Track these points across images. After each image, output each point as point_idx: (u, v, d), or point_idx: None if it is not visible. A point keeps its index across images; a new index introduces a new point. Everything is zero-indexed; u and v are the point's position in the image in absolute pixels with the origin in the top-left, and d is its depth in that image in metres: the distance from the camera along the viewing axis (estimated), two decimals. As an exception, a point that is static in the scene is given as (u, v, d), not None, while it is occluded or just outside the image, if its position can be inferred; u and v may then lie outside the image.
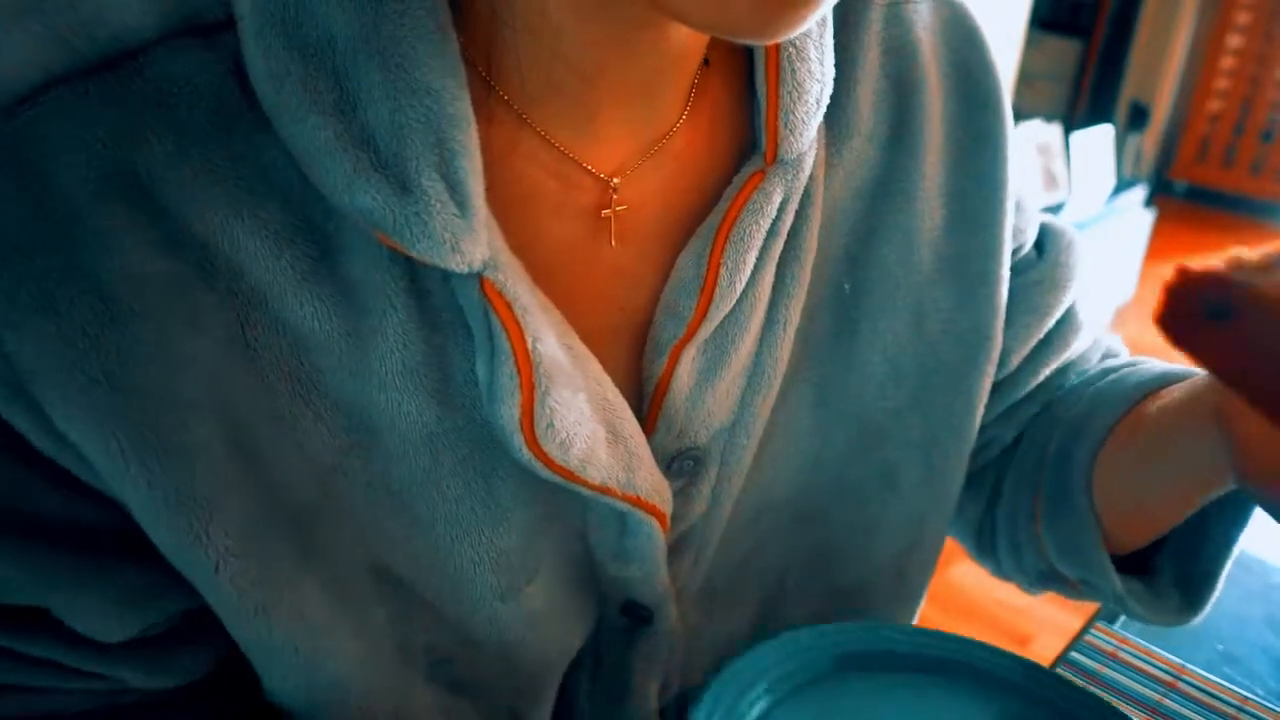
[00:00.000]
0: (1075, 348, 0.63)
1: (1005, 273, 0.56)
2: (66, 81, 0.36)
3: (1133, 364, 0.63)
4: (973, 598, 2.31)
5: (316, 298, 0.40)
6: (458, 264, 0.39)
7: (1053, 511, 0.57)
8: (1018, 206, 0.59)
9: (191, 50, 0.38)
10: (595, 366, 0.44)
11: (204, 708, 0.47)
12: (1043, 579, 0.60)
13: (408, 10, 0.37)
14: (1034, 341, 0.60)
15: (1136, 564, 0.57)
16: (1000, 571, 0.65)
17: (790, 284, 0.49)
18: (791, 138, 0.46)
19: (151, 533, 0.39)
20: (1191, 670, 0.73)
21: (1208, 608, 0.55)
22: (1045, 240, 0.63)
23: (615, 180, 0.45)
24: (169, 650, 0.44)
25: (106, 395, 0.37)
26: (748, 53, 0.48)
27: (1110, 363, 0.64)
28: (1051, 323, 0.61)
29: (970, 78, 0.55)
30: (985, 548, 0.65)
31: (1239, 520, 0.54)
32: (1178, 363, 0.55)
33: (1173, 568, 0.55)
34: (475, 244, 0.39)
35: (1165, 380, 0.56)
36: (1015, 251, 0.60)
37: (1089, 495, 0.55)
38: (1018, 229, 0.59)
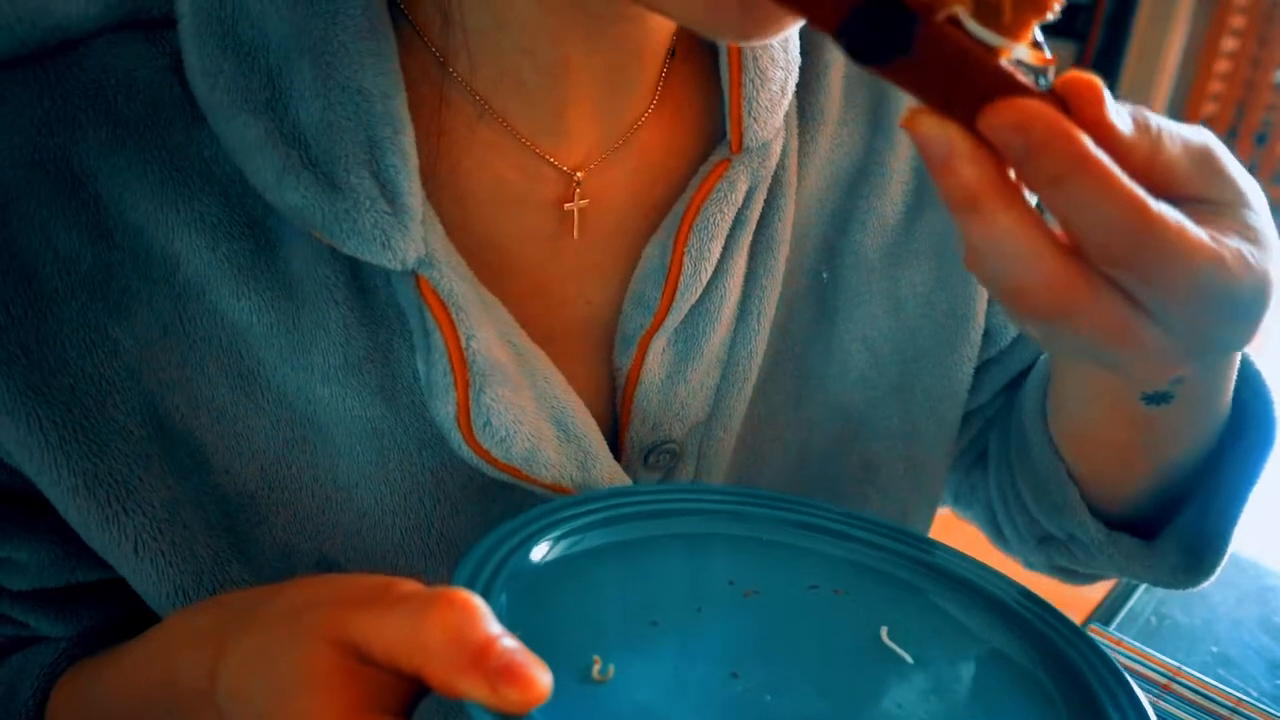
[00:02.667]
0: None
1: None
2: (4, 67, 0.37)
3: None
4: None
5: (254, 291, 0.40)
6: (390, 260, 0.39)
7: (1023, 459, 0.56)
8: None
9: (133, 44, 0.38)
10: (544, 364, 0.44)
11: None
12: (1040, 544, 0.58)
13: (339, 9, 0.37)
14: (1010, 340, 0.59)
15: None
16: (1009, 548, 0.63)
17: (763, 274, 0.49)
18: (756, 125, 0.46)
19: (67, 512, 0.40)
20: (1187, 672, 0.73)
21: (1215, 573, 0.51)
22: None
23: (579, 175, 0.45)
24: (79, 603, 0.45)
25: (25, 371, 0.38)
26: (714, 43, 0.48)
27: None
28: None
29: None
30: (994, 525, 0.64)
31: (1247, 474, 0.50)
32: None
33: (1178, 533, 0.51)
34: (408, 241, 0.39)
35: None
36: None
37: (1046, 431, 0.53)
38: None
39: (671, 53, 0.47)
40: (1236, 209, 0.32)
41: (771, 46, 0.46)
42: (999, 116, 0.28)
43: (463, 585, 0.34)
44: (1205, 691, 0.71)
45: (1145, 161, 0.30)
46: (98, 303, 0.39)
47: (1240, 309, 0.31)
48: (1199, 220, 0.30)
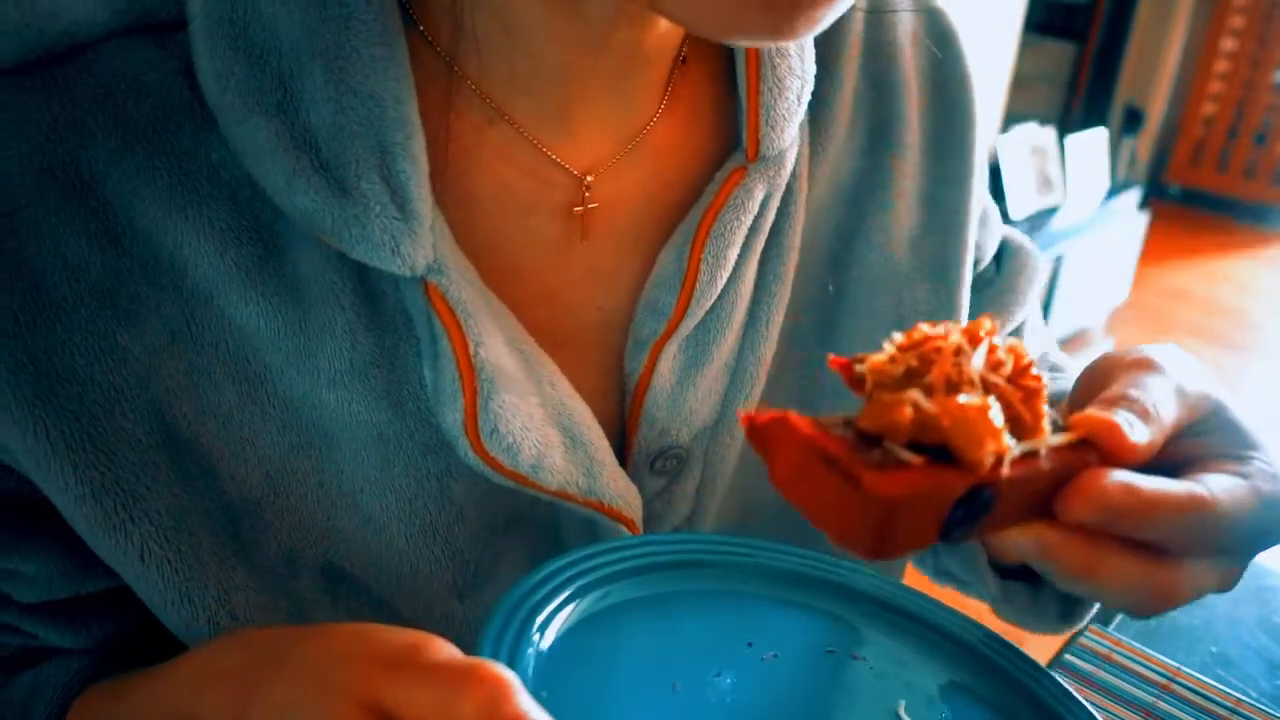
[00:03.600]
0: None
1: (968, 278, 0.57)
2: (12, 74, 0.37)
3: (1051, 380, 0.63)
4: (967, 598, 2.30)
5: (262, 295, 0.40)
6: (399, 267, 0.39)
7: None
8: (983, 219, 0.59)
9: (142, 48, 0.38)
10: (551, 371, 0.44)
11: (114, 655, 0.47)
12: (940, 574, 0.62)
13: (352, 14, 0.37)
14: None
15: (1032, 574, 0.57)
16: (914, 561, 0.66)
17: (772, 281, 0.49)
18: (773, 134, 0.46)
19: (74, 519, 0.39)
20: (1185, 672, 0.73)
21: (1085, 619, 0.54)
22: (1004, 257, 0.63)
23: (589, 178, 0.45)
24: (88, 614, 0.45)
25: (33, 380, 0.37)
26: (727, 49, 0.48)
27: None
28: None
29: (945, 86, 0.55)
30: None
31: None
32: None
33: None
34: (417, 247, 0.39)
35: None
36: (975, 264, 0.60)
37: None
38: (980, 242, 0.60)
39: (682, 59, 0.47)
40: (1222, 412, 0.40)
41: (789, 55, 0.46)
42: (1077, 504, 0.33)
43: (490, 641, 0.35)
44: (1204, 692, 0.71)
45: (1165, 440, 0.37)
46: (106, 310, 0.38)
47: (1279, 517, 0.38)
48: (1213, 450, 0.38)
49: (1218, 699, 0.71)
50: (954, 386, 0.32)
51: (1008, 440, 0.32)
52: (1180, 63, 5.00)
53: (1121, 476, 0.34)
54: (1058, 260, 3.31)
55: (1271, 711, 0.70)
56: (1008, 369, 0.33)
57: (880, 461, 0.30)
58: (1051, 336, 0.70)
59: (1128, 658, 0.74)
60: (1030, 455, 0.33)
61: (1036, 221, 3.28)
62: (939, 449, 0.31)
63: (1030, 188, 3.31)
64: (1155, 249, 4.38)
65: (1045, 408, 0.34)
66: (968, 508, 0.31)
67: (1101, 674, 0.73)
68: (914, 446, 0.31)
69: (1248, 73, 5.07)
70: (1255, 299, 4.35)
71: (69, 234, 0.38)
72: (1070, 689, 0.43)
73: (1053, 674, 0.44)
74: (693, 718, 0.37)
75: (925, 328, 0.34)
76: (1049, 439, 0.34)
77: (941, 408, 0.31)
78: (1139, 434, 0.35)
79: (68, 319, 0.38)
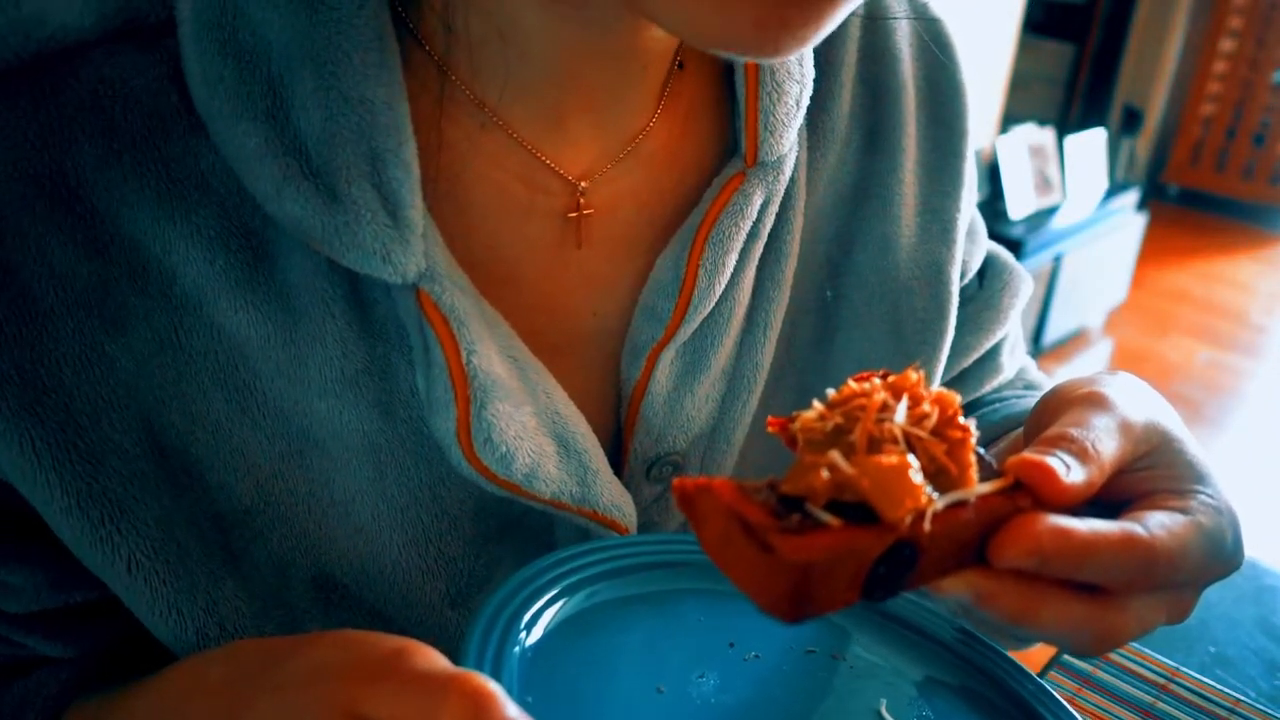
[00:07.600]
0: (989, 385, 0.64)
1: (956, 290, 0.57)
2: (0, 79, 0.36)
3: (1020, 397, 0.63)
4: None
5: (251, 304, 0.39)
6: (390, 275, 0.38)
7: None
8: (970, 232, 0.59)
9: (130, 53, 0.37)
10: (545, 379, 0.44)
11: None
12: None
13: (343, 18, 0.36)
14: (951, 375, 0.61)
15: None
16: None
17: (771, 287, 0.49)
18: (772, 139, 0.46)
19: (61, 531, 0.39)
20: (1184, 673, 0.73)
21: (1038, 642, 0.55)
22: (987, 274, 0.63)
23: (583, 184, 0.45)
24: (77, 623, 0.45)
25: (18, 390, 0.37)
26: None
27: (1006, 393, 0.65)
28: (969, 362, 0.62)
29: (942, 95, 0.55)
30: None
31: None
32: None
33: None
34: (408, 255, 0.38)
35: (1011, 424, 0.57)
36: (960, 277, 0.60)
37: None
38: (965, 256, 0.60)
39: (679, 64, 0.46)
40: (1170, 445, 0.39)
41: (788, 60, 0.46)
42: (1009, 552, 0.33)
43: (476, 641, 0.35)
44: (1203, 692, 0.71)
45: (1105, 478, 0.36)
46: (93, 319, 0.38)
47: (1224, 551, 0.38)
48: (1158, 484, 0.38)
49: (1216, 699, 0.71)
50: (876, 444, 0.32)
51: (932, 493, 0.32)
52: (1179, 63, 5.00)
53: (1054, 521, 0.33)
54: (1056, 260, 3.31)
55: (1270, 712, 0.70)
56: (933, 421, 0.33)
57: (798, 525, 0.30)
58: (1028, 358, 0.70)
59: (1126, 657, 0.74)
60: (958, 505, 0.33)
61: (1035, 222, 3.28)
62: (863, 507, 0.31)
63: (1029, 188, 3.31)
64: (1154, 249, 4.38)
65: (978, 452, 0.34)
66: (889, 565, 0.31)
67: (1100, 674, 0.73)
68: (838, 505, 0.31)
69: (1246, 73, 5.07)
70: (1253, 299, 4.35)
71: (55, 242, 0.37)
72: (1043, 682, 0.44)
73: (1032, 673, 0.44)
74: (678, 719, 0.37)
75: (853, 384, 0.34)
76: (978, 487, 0.33)
77: (860, 468, 0.31)
78: (1075, 475, 0.35)
79: (54, 328, 0.37)
